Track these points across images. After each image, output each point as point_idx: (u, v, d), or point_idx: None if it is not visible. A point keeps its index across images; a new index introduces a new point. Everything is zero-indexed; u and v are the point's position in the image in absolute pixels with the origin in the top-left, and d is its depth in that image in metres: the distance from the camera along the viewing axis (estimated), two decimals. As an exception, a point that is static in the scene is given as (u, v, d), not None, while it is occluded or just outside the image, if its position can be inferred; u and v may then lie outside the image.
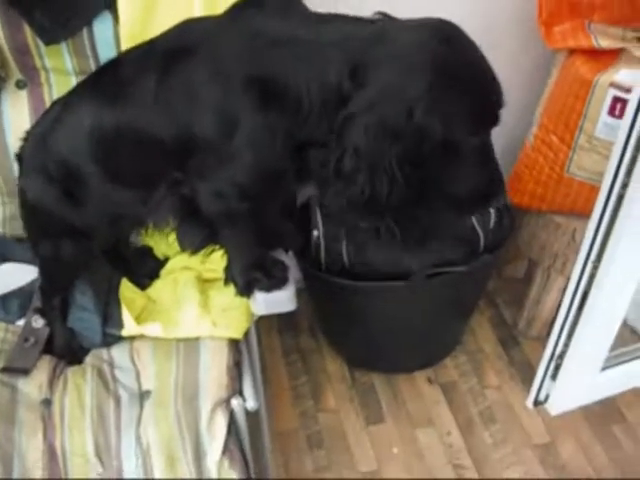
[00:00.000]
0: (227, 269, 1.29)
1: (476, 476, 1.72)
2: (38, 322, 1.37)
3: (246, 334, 1.38)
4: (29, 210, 1.32)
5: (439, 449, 1.77)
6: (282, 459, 1.74)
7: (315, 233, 1.64)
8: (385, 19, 1.09)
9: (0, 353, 1.33)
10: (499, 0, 1.69)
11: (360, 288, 1.63)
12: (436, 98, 0.96)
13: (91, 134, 1.17)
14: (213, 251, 1.28)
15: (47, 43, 1.34)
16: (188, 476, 1.16)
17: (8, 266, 1.46)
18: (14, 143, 1.36)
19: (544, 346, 1.73)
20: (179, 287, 1.44)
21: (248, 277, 1.26)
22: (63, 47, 1.37)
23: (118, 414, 1.23)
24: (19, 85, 1.41)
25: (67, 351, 1.37)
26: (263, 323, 1.95)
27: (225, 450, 1.18)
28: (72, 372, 1.32)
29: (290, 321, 2.08)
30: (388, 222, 1.13)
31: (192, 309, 1.36)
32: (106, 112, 1.15)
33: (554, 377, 1.75)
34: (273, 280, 1.25)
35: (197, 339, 1.33)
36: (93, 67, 1.38)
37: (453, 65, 0.99)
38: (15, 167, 1.36)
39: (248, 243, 1.27)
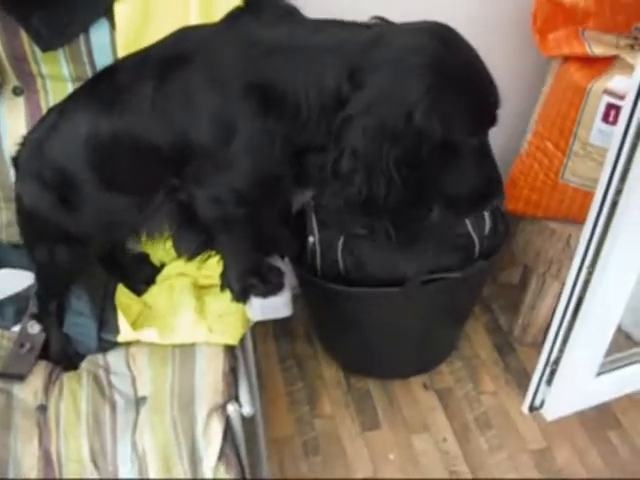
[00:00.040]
0: (223, 275, 1.30)
1: (472, 482, 1.72)
2: (34, 328, 1.36)
3: (242, 340, 1.38)
4: (25, 216, 1.32)
5: (435, 455, 1.77)
6: (278, 465, 1.74)
7: (311, 239, 1.65)
8: (382, 23, 1.09)
9: (-4, 359, 1.33)
10: (493, 8, 1.71)
11: (355, 294, 1.63)
12: (435, 100, 0.97)
13: (87, 141, 1.18)
14: (209, 257, 1.28)
15: (44, 50, 1.34)
16: (184, 482, 1.16)
17: (4, 272, 1.46)
18: (11, 150, 1.36)
19: (539, 352, 1.73)
20: (175, 293, 1.44)
21: (244, 283, 1.26)
22: (60, 54, 1.37)
23: (114, 420, 1.23)
24: (16, 92, 1.41)
25: (63, 357, 1.37)
26: (259, 329, 1.95)
27: (221, 456, 1.18)
28: (68, 378, 1.32)
29: (286, 327, 2.08)
30: (384, 223, 1.14)
31: (188, 315, 1.36)
32: (102, 119, 1.16)
33: (549, 382, 1.76)
34: (269, 286, 1.26)
35: (193, 345, 1.33)
36: (90, 73, 1.38)
37: (450, 66, 1.00)
38: (12, 173, 1.36)
39: (244, 249, 1.27)
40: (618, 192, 1.35)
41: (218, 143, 1.09)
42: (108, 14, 1.34)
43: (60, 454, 1.19)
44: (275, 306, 1.26)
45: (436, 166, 1.03)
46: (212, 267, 1.31)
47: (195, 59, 1.09)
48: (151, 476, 1.16)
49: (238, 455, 1.24)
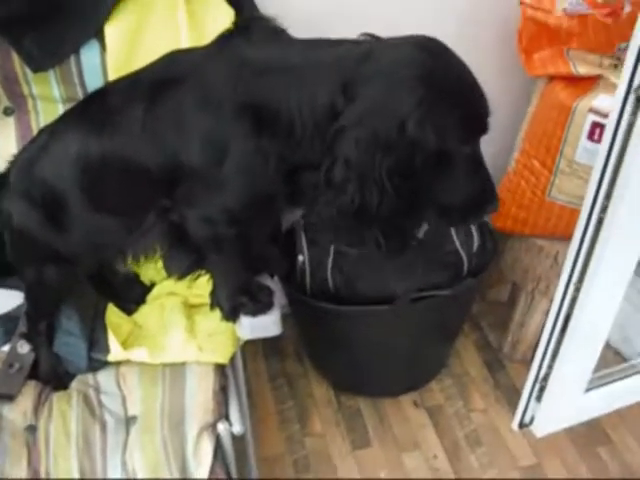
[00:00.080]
0: (213, 294, 1.30)
1: (463, 499, 1.72)
2: (23, 347, 1.36)
3: (232, 359, 1.38)
4: (14, 235, 1.32)
5: (425, 473, 1.77)
6: (269, 484, 1.73)
7: (300, 258, 1.65)
8: (371, 39, 1.11)
9: (-15, 379, 1.32)
10: (479, 28, 1.73)
11: (345, 312, 1.64)
12: (427, 109, 0.98)
13: (77, 162, 1.18)
14: (199, 276, 1.29)
15: (35, 71, 1.35)
16: (174, 501, 1.16)
17: (-6, 292, 1.46)
18: (1, 169, 1.36)
19: (529, 369, 1.73)
20: (165, 312, 1.44)
21: (234, 302, 1.26)
22: (51, 75, 1.38)
23: (104, 440, 1.23)
24: (7, 112, 1.42)
25: (53, 376, 1.36)
26: (249, 348, 1.95)
27: (211, 475, 1.18)
28: (58, 398, 1.31)
29: (276, 346, 2.08)
30: (375, 232, 1.14)
31: (178, 334, 1.36)
32: (93, 140, 1.16)
33: (539, 399, 1.76)
34: (259, 305, 1.26)
35: (183, 364, 1.33)
36: (80, 94, 1.39)
37: (440, 76, 1.01)
38: (3, 194, 1.36)
39: (234, 268, 1.27)
40: (604, 209, 1.37)
41: (210, 164, 1.09)
42: (99, 35, 1.35)
43: (49, 475, 1.19)
44: (265, 325, 1.26)
45: (430, 175, 1.03)
46: (202, 286, 1.31)
47: (186, 81, 1.09)
48: (141, 496, 1.16)
49: (228, 474, 1.24)
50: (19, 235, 1.30)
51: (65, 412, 1.28)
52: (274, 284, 1.33)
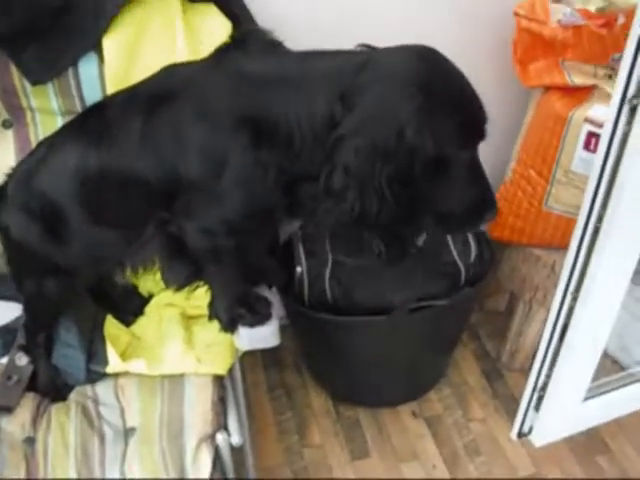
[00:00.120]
0: (211, 305, 1.30)
1: (462, 509, 1.72)
2: (22, 359, 1.36)
3: (231, 370, 1.38)
4: (13, 247, 1.32)
5: (425, 483, 1.77)
6: (268, 495, 1.73)
7: (298, 269, 1.65)
8: (367, 50, 1.11)
9: (-17, 392, 1.32)
10: (475, 39, 1.74)
11: (343, 323, 1.64)
12: (425, 116, 0.98)
13: (76, 175, 1.18)
14: (197, 287, 1.29)
15: (33, 83, 1.36)
16: (173, 513, 1.16)
17: (-8, 304, 1.46)
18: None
19: (527, 378, 1.73)
20: (163, 324, 1.44)
21: (232, 313, 1.27)
22: (49, 87, 1.38)
23: (102, 451, 1.23)
24: (5, 125, 1.43)
25: (51, 388, 1.36)
26: (248, 359, 1.95)
27: (210, 486, 1.18)
28: (56, 410, 1.31)
29: (274, 357, 2.08)
30: (375, 240, 1.14)
31: (176, 345, 1.36)
32: (91, 153, 1.17)
33: (537, 408, 1.76)
34: (257, 316, 1.26)
35: (182, 375, 1.33)
36: (78, 107, 1.40)
37: (437, 83, 1.01)
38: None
39: (233, 279, 1.28)
40: (600, 219, 1.37)
41: (208, 177, 1.09)
42: (97, 48, 1.36)
43: (48, 487, 1.19)
44: (263, 336, 1.27)
45: (429, 182, 1.04)
46: (200, 297, 1.31)
47: (184, 94, 1.10)
48: (140, 508, 1.16)
49: (227, 485, 1.24)
50: (18, 248, 1.30)
51: (64, 424, 1.28)
52: (272, 295, 1.33)
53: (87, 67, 1.38)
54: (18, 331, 1.40)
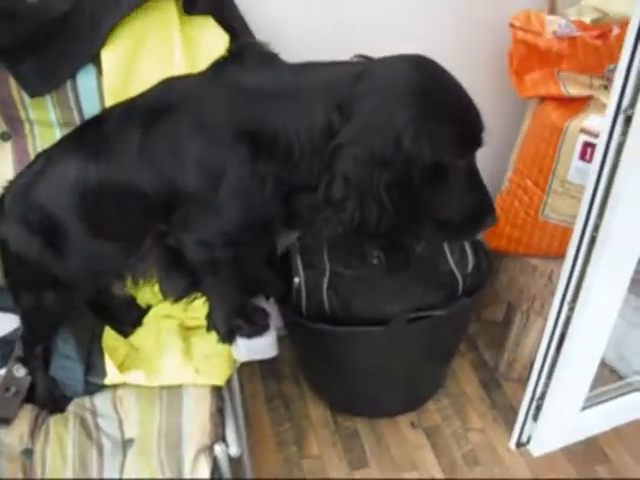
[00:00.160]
0: (209, 316, 1.31)
1: (461, 520, 1.72)
2: (20, 371, 1.36)
3: (228, 381, 1.38)
4: (10, 260, 1.33)
5: (423, 493, 1.77)
6: (266, 506, 1.73)
7: (296, 280, 1.65)
8: (364, 60, 1.12)
9: (-19, 404, 1.32)
10: (471, 50, 1.75)
11: (340, 334, 1.64)
12: (422, 124, 0.99)
13: (75, 188, 1.19)
14: (195, 299, 1.29)
15: (32, 95, 1.36)
16: (171, 525, 1.15)
17: (-11, 315, 1.46)
18: (-2, 194, 1.37)
19: (525, 388, 1.73)
20: (161, 335, 1.44)
21: (230, 324, 1.27)
22: (47, 99, 1.39)
23: (101, 463, 1.23)
24: (3, 137, 1.43)
25: (49, 400, 1.36)
26: (246, 370, 1.95)
27: (208, 497, 1.18)
28: (54, 421, 1.31)
29: (272, 367, 2.08)
30: (375, 249, 1.14)
31: (174, 356, 1.36)
32: (90, 166, 1.17)
33: (535, 418, 1.76)
34: (255, 327, 1.27)
35: (180, 386, 1.33)
36: (77, 119, 1.41)
37: (434, 92, 1.02)
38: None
39: (230, 291, 1.28)
40: (596, 228, 1.38)
41: (206, 189, 1.10)
42: (95, 61, 1.37)
43: (46, 499, 1.19)
44: (261, 347, 1.27)
45: (427, 189, 1.04)
46: (198, 308, 1.31)
47: (182, 107, 1.11)
48: (138, 520, 1.16)
49: (226, 496, 1.23)
50: (16, 261, 1.30)
51: (62, 435, 1.27)
52: (270, 306, 1.33)
53: (85, 79, 1.38)
54: (16, 343, 1.40)
